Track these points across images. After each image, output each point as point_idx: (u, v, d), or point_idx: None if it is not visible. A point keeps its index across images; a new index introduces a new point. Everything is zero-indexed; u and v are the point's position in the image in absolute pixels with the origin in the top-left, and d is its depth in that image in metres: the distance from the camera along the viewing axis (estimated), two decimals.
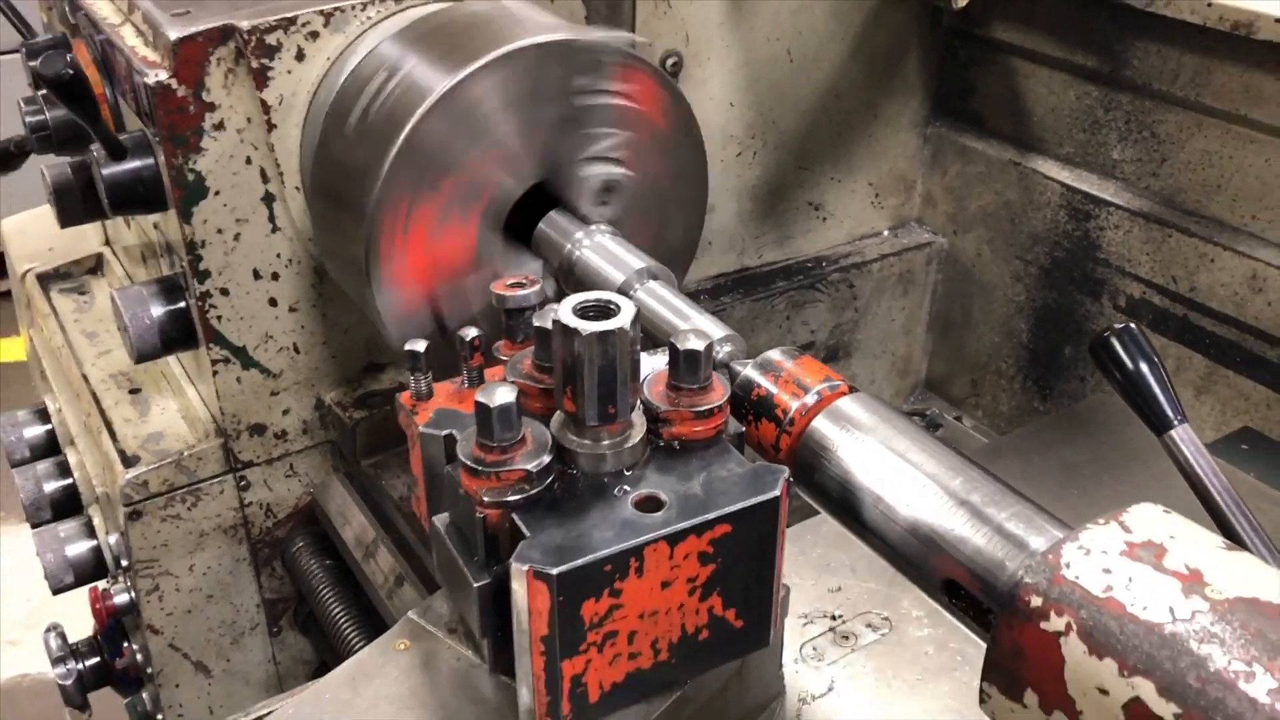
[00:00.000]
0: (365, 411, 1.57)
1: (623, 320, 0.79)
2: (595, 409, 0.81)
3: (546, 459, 0.81)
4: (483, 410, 0.80)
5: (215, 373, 1.50)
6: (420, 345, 0.94)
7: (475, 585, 0.82)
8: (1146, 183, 1.78)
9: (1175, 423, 0.96)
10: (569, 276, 1.24)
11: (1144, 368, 0.98)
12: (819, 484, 0.93)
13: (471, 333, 0.95)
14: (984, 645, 1.08)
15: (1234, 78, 1.60)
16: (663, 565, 0.79)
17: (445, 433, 0.90)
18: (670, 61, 1.69)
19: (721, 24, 1.71)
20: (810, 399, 0.96)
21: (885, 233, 2.11)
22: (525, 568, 0.75)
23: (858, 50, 1.89)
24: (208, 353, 1.48)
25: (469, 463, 0.81)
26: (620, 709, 0.84)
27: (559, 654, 0.78)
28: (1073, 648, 0.71)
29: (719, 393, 0.87)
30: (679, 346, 0.86)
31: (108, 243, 2.06)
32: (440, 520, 0.87)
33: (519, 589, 0.76)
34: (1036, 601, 0.73)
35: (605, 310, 0.81)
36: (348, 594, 1.58)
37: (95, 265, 2.04)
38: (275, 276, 1.48)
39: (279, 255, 1.47)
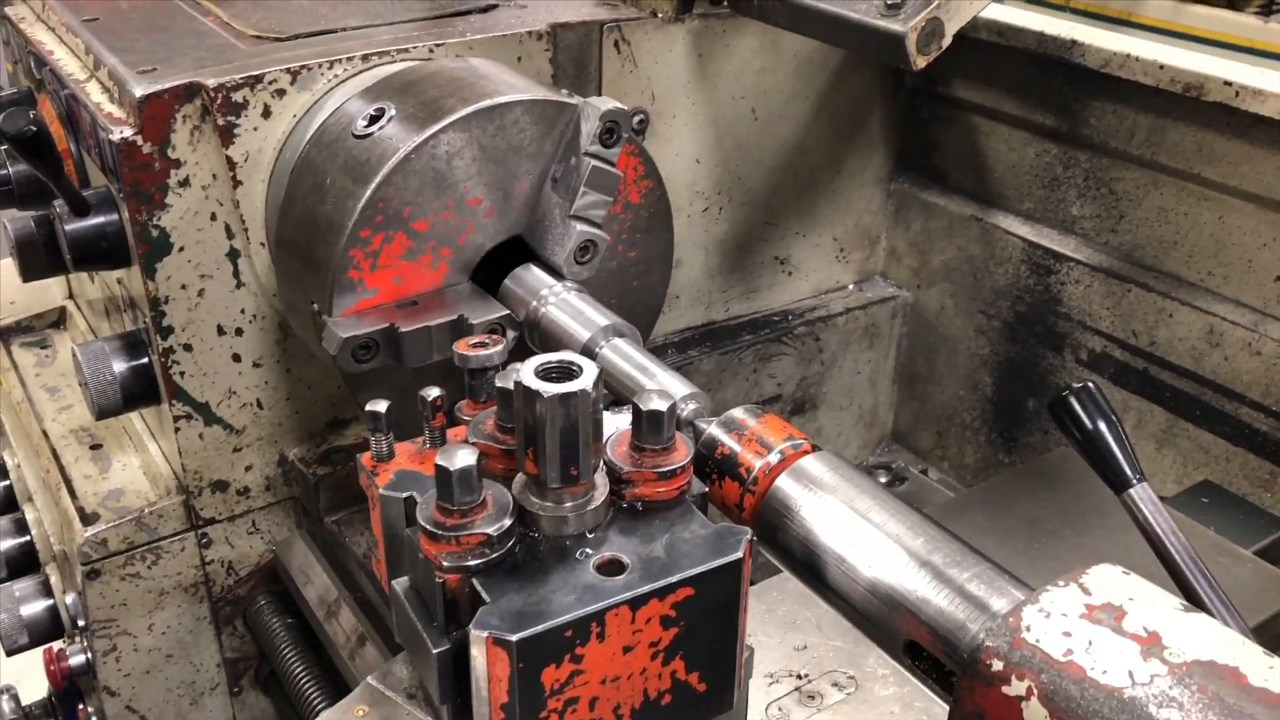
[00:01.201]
0: (329, 468, 1.55)
1: (585, 382, 0.79)
2: (557, 471, 0.81)
3: (507, 522, 0.81)
4: (443, 473, 0.79)
5: (177, 429, 1.48)
6: (381, 406, 0.94)
7: (434, 651, 0.81)
8: (1105, 238, 1.81)
9: (1134, 481, 0.97)
10: (534, 331, 1.24)
11: (1102, 427, 0.99)
12: (782, 544, 0.93)
13: (434, 393, 0.95)
14: (948, 705, 1.07)
15: (1187, 137, 1.63)
16: (625, 629, 0.79)
17: (405, 494, 0.89)
18: (636, 120, 1.70)
19: (687, 83, 1.73)
20: (774, 458, 0.96)
21: (850, 287, 2.13)
22: (484, 634, 0.74)
23: (821, 108, 1.92)
24: (170, 409, 1.47)
25: (428, 527, 0.80)
26: None
27: None
28: (1034, 712, 0.70)
29: (682, 453, 0.87)
30: (642, 407, 0.86)
31: (71, 296, 2.04)
32: (400, 584, 0.86)
33: (478, 655, 0.75)
34: (998, 665, 0.73)
35: (568, 372, 0.81)
36: (310, 653, 1.55)
37: (58, 319, 2.03)
38: (239, 332, 1.47)
39: (243, 311, 1.46)
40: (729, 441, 0.99)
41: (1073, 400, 1.00)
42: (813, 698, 1.14)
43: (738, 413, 1.02)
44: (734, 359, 1.96)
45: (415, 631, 0.84)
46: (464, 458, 0.79)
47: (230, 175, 1.37)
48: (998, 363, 2.01)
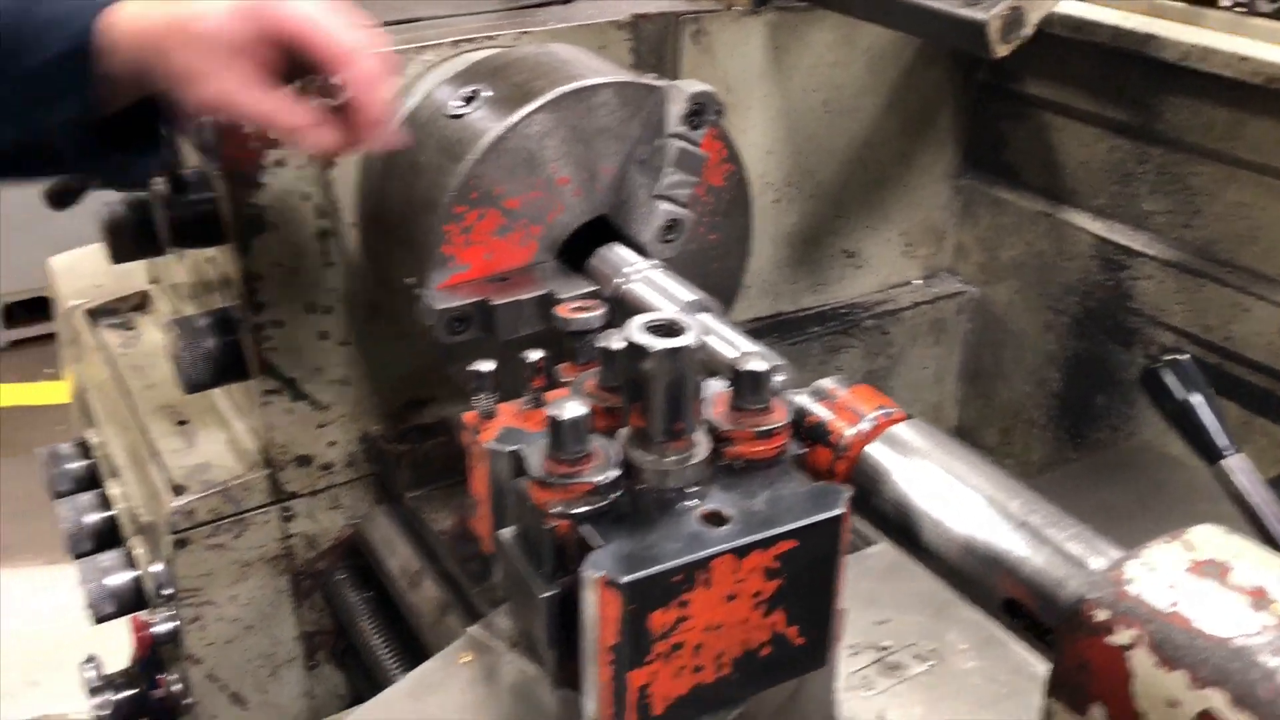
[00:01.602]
0: (409, 446, 1.59)
1: (690, 338, 0.82)
2: (663, 424, 0.83)
3: (615, 473, 0.83)
4: (555, 423, 0.82)
5: (265, 404, 1.52)
6: (487, 365, 0.97)
7: (543, 596, 0.84)
8: (1179, 233, 1.81)
9: (1228, 452, 0.98)
10: (619, 306, 1.26)
11: (1196, 397, 0.99)
12: (876, 507, 0.95)
13: (536, 355, 0.97)
14: (1031, 676, 1.08)
15: (1267, 131, 1.63)
16: (729, 578, 0.81)
17: (512, 448, 0.92)
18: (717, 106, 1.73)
19: (761, 75, 1.76)
20: (866, 425, 0.98)
21: (917, 282, 2.13)
22: (597, 576, 0.76)
23: (892, 103, 1.93)
24: (259, 383, 1.51)
25: (539, 475, 0.83)
26: None
27: (626, 664, 0.79)
28: (1141, 661, 0.72)
29: (780, 414, 0.89)
30: (741, 368, 0.88)
31: (153, 281, 2.10)
32: (506, 534, 0.89)
33: (590, 597, 0.78)
34: (1102, 615, 0.74)
35: (672, 329, 0.83)
36: (388, 626, 1.59)
37: (141, 302, 2.08)
38: (328, 310, 1.51)
39: (332, 290, 1.50)
40: (819, 409, 1.01)
41: (1165, 371, 1.01)
42: (895, 668, 1.15)
43: (827, 382, 1.04)
44: (802, 350, 1.97)
45: (522, 579, 0.86)
46: (575, 408, 0.82)
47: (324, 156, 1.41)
48: (1065, 359, 2.01)
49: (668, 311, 0.84)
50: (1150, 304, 1.85)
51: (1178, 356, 1.03)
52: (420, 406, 1.64)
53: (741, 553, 0.81)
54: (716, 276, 1.46)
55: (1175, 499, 1.45)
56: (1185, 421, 1.00)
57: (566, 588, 0.83)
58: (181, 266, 1.84)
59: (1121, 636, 0.73)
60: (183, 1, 1.09)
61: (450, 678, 0.90)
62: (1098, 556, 0.81)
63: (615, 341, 0.91)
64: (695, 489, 0.85)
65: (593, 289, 1.26)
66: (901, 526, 0.93)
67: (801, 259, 1.98)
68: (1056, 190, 1.97)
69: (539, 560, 0.85)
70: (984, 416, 2.20)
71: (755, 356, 0.89)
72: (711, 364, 1.17)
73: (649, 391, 0.82)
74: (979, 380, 2.19)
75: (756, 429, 0.88)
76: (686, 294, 1.23)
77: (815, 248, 1.99)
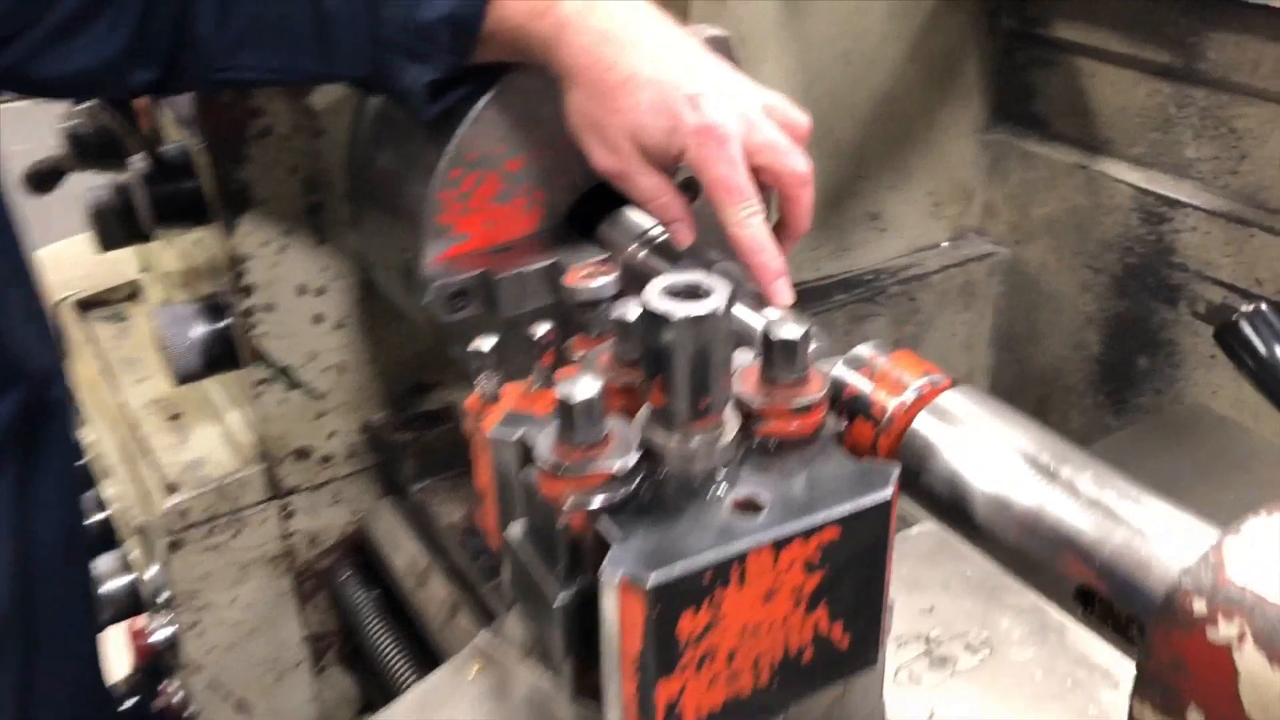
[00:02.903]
0: (413, 434, 1.50)
1: (716, 302, 0.72)
2: (687, 401, 0.73)
3: (634, 458, 0.74)
4: (564, 406, 0.72)
5: (259, 394, 1.43)
6: (488, 343, 0.87)
7: (557, 602, 0.74)
8: (1225, 181, 1.69)
9: None
10: (634, 275, 1.16)
11: None
12: (925, 486, 0.85)
13: (543, 329, 0.87)
14: (1094, 668, 0.98)
15: None
16: (766, 574, 0.71)
17: (518, 434, 0.82)
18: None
19: (777, 22, 1.65)
20: (909, 395, 0.88)
21: (945, 244, 2.03)
22: (618, 577, 0.67)
23: (915, 52, 1.82)
24: (250, 373, 1.42)
25: (549, 464, 0.73)
26: None
27: (653, 674, 0.70)
28: (1248, 658, 0.62)
29: (817, 384, 0.79)
30: (772, 336, 0.78)
31: (145, 270, 2.01)
32: (514, 531, 0.79)
33: (610, 601, 0.68)
34: (1199, 607, 0.64)
35: (696, 292, 0.73)
36: (397, 626, 1.50)
37: (132, 292, 2.00)
38: (321, 292, 1.41)
39: (325, 269, 1.41)
40: (858, 380, 0.91)
41: (1244, 323, 0.90)
42: (945, 661, 1.06)
43: (864, 350, 0.94)
44: (825, 321, 1.87)
45: (533, 582, 0.77)
46: (587, 387, 0.73)
47: (310, 124, 1.32)
48: (1105, 320, 1.90)
49: (690, 273, 0.74)
50: (1196, 258, 1.74)
51: (1260, 305, 0.93)
52: (425, 391, 1.54)
53: (779, 545, 0.71)
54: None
55: (1235, 465, 1.35)
56: (1270, 378, 0.89)
57: (583, 590, 0.74)
58: (171, 252, 1.75)
59: (1225, 630, 0.63)
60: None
61: (458, 691, 0.81)
62: (1187, 534, 0.71)
63: (631, 310, 0.81)
64: (724, 472, 0.76)
65: (604, 257, 1.16)
66: (954, 506, 0.83)
67: (822, 223, 1.87)
68: (1091, 140, 1.86)
69: (552, 560, 0.76)
70: (1018, 384, 2.09)
71: (789, 322, 0.78)
72: (738, 332, 1.07)
73: (671, 365, 0.72)
74: (1012, 346, 2.08)
75: (792, 403, 0.78)
76: (705, 257, 1.13)
77: (836, 211, 1.88)
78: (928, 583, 1.14)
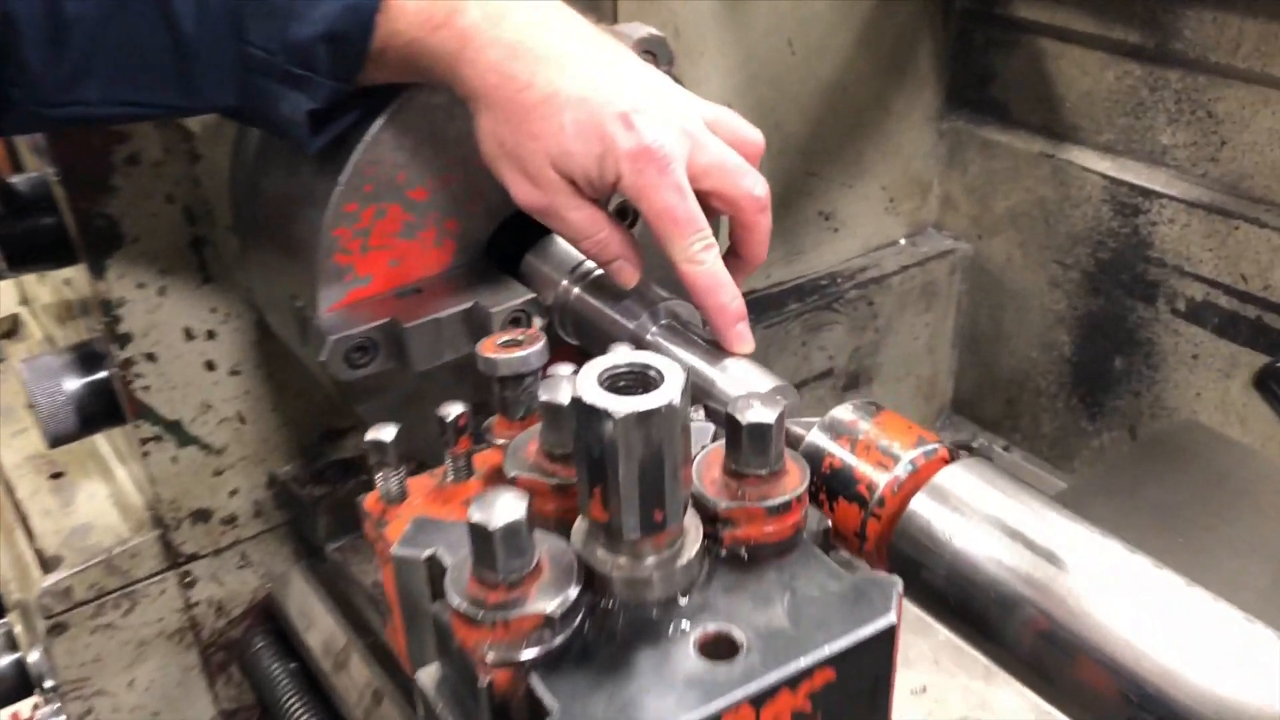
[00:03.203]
0: (326, 487, 1.33)
1: (670, 393, 0.56)
2: (635, 517, 0.58)
3: (572, 593, 0.58)
4: (480, 534, 0.56)
5: (146, 453, 1.25)
6: (387, 433, 0.71)
7: None
8: (1204, 169, 1.57)
9: None
10: (566, 317, 1.00)
11: None
12: (926, 583, 0.71)
13: (455, 410, 0.72)
14: None
15: None
16: None
17: (427, 553, 0.66)
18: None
19: (716, 14, 1.49)
20: (902, 470, 0.74)
21: (902, 241, 1.89)
22: None
23: (864, 39, 1.67)
24: (135, 430, 1.24)
25: (465, 607, 0.57)
26: None
27: None
28: None
29: (795, 476, 0.64)
30: (741, 419, 0.63)
31: (24, 302, 1.81)
32: (428, 677, 0.63)
33: None
34: None
35: (643, 378, 0.58)
36: (317, 700, 1.33)
37: (11, 328, 1.79)
38: (211, 335, 1.24)
39: (214, 310, 1.23)
40: (839, 451, 0.77)
41: None
42: None
43: (844, 413, 0.79)
44: (780, 332, 1.72)
45: None
46: (508, 509, 0.56)
47: (187, 148, 1.14)
48: (1076, 318, 1.78)
49: (632, 352, 0.59)
50: (1174, 252, 1.62)
51: None
52: (337, 438, 1.37)
53: (761, 700, 0.56)
54: None
55: (1238, 490, 1.23)
56: None
57: None
58: (47, 286, 1.56)
59: None
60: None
61: None
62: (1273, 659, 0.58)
63: (562, 390, 0.65)
64: (687, 601, 0.61)
65: (530, 297, 0.99)
66: (966, 613, 0.69)
67: (773, 226, 1.72)
68: (1056, 127, 1.73)
69: None
70: (984, 388, 1.97)
71: (758, 400, 0.63)
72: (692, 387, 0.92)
73: (614, 472, 0.57)
74: (977, 347, 1.95)
75: (766, 502, 0.63)
76: (649, 296, 0.97)
77: (787, 211, 1.73)
78: (916, 656, 1.00)
